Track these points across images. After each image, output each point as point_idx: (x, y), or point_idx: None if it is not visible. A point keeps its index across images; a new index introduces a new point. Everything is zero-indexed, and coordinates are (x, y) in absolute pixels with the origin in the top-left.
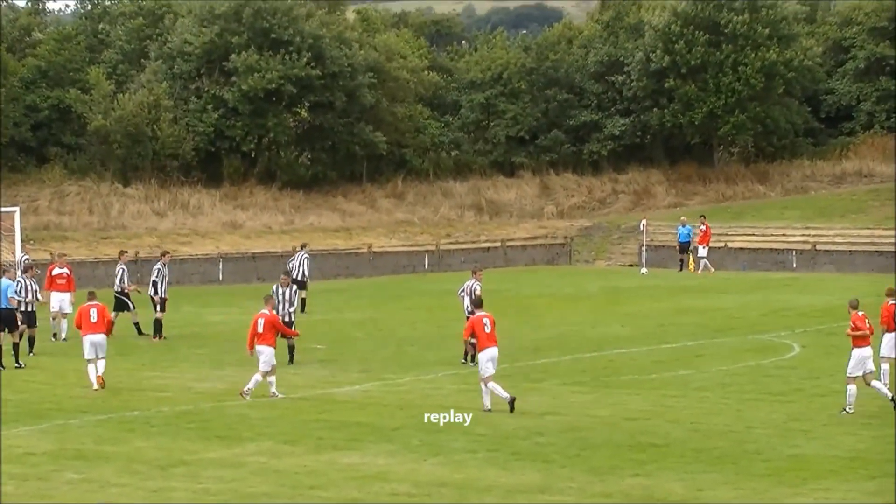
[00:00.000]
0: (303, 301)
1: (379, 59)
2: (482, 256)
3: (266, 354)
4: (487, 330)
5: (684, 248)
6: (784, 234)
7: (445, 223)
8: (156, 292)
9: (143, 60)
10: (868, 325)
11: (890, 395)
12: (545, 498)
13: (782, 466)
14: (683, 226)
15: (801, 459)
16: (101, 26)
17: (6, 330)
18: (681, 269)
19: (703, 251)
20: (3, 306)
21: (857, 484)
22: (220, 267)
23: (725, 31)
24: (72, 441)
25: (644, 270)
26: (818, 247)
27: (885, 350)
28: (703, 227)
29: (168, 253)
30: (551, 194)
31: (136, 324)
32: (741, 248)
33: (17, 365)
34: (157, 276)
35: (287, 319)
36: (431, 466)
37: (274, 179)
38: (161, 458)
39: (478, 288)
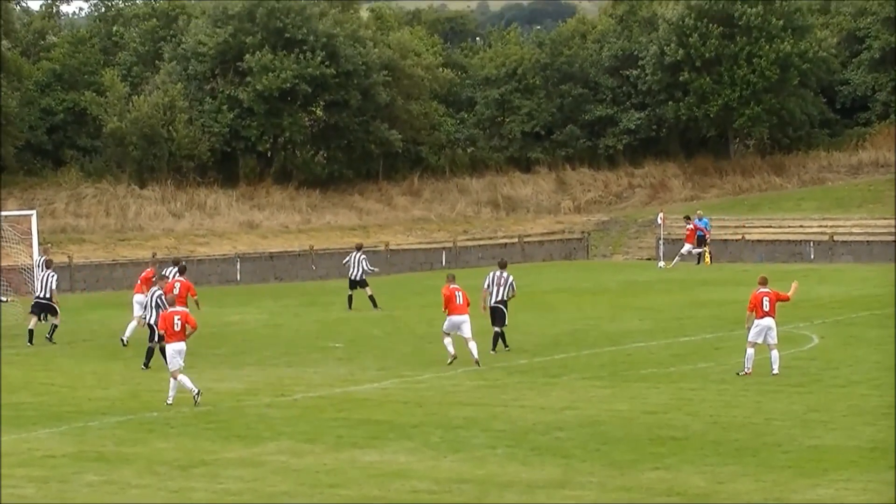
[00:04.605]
0: (371, 298)
1: (393, 57)
2: (499, 252)
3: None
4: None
5: (702, 241)
6: (801, 226)
7: (462, 220)
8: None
9: (157, 62)
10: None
11: None
12: (566, 493)
13: (802, 458)
14: (700, 219)
15: (821, 450)
16: (114, 28)
17: None
18: (698, 263)
19: (687, 248)
20: None
21: (877, 474)
22: (238, 267)
23: (739, 23)
24: (92, 443)
25: (661, 264)
26: (836, 238)
27: (753, 335)
28: (690, 227)
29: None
30: (567, 189)
31: (55, 327)
32: (758, 240)
33: None
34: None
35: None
36: (451, 463)
37: (290, 179)
38: (181, 458)
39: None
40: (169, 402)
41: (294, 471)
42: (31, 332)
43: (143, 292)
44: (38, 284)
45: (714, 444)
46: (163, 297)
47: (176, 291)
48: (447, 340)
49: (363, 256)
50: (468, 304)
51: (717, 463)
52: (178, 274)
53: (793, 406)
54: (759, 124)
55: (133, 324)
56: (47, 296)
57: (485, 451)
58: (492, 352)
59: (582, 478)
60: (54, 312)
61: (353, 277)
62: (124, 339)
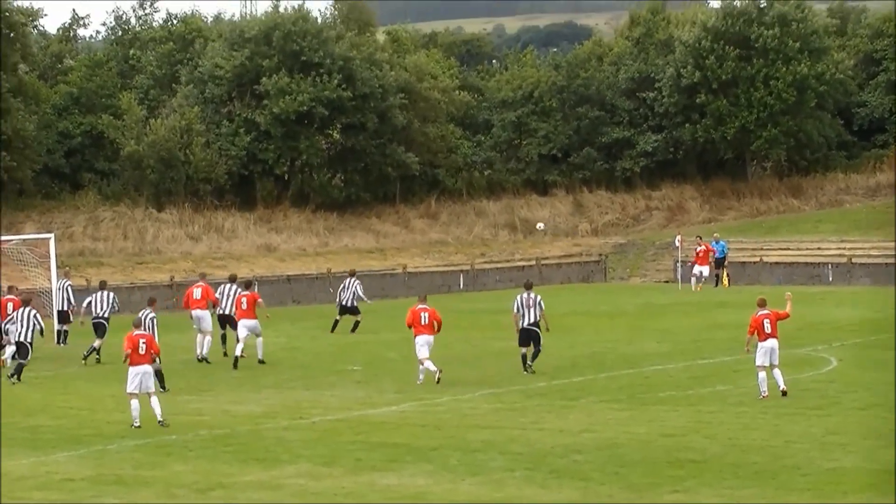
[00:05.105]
0: (356, 323)
1: (410, 80)
2: (517, 275)
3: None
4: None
5: (719, 263)
6: (819, 248)
7: (479, 242)
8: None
9: (174, 85)
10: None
11: None
12: None
13: (821, 480)
14: (717, 242)
15: (840, 473)
16: (131, 52)
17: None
18: (716, 285)
19: (704, 270)
20: None
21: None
22: (256, 290)
23: (756, 45)
24: (110, 466)
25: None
26: (854, 260)
27: (760, 359)
28: (702, 247)
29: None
30: (585, 212)
31: (94, 349)
32: (776, 263)
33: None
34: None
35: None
36: (470, 486)
37: (307, 201)
38: (199, 481)
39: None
40: (160, 419)
41: (312, 494)
42: (94, 348)
43: (203, 307)
44: (95, 304)
45: (732, 466)
46: (155, 320)
47: (244, 306)
48: (428, 363)
49: (357, 282)
50: (438, 326)
51: (735, 486)
52: (242, 289)
53: (811, 429)
54: (777, 146)
55: (203, 338)
56: (105, 315)
57: (503, 473)
58: (527, 368)
59: (600, 500)
60: (104, 333)
61: (344, 303)
62: (201, 356)
